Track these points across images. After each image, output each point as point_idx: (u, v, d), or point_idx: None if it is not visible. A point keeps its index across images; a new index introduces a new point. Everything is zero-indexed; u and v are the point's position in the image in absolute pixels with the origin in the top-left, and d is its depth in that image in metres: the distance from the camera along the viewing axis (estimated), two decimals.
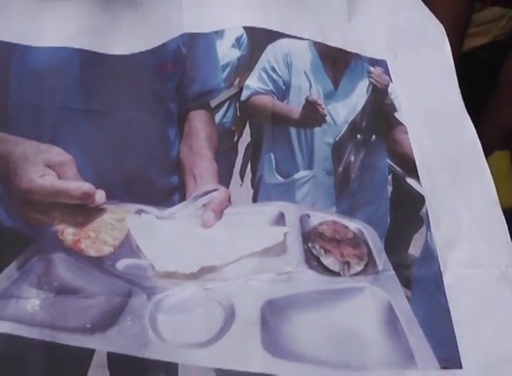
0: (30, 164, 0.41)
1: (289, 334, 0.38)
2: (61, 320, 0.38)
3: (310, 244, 0.41)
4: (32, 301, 0.38)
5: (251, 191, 0.41)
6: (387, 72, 0.48)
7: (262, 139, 0.43)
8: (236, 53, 0.44)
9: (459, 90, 0.49)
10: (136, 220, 0.40)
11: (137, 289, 0.39)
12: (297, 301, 0.39)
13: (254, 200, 0.41)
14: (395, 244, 0.43)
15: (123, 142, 0.42)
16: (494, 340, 0.40)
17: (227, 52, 0.44)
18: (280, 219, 0.41)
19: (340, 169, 0.44)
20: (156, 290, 0.39)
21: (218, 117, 0.43)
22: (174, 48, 0.44)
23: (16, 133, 0.42)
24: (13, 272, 0.39)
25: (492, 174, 0.46)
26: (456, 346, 0.39)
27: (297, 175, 0.43)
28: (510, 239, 0.44)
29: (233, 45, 0.45)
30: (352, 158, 0.45)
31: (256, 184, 0.42)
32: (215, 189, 0.41)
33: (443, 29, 0.50)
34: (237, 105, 0.43)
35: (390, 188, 0.44)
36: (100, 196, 0.41)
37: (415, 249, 0.43)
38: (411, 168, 0.45)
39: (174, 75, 0.44)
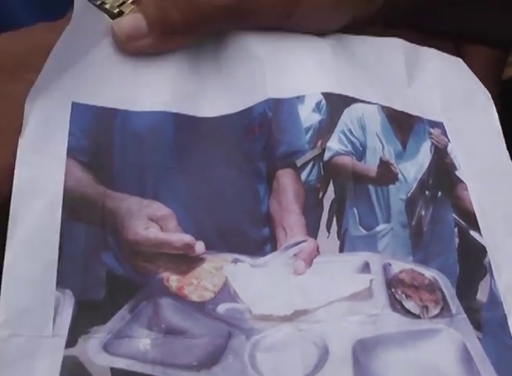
0: (135, 218, 0.46)
1: (378, 370, 0.42)
2: (170, 358, 0.42)
3: (393, 290, 0.45)
4: (144, 341, 0.42)
5: (338, 242, 0.46)
6: (444, 133, 0.53)
7: (345, 195, 0.47)
8: (316, 117, 0.49)
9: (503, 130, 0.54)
10: (233, 268, 0.45)
11: (236, 330, 0.43)
12: (384, 340, 0.43)
13: (341, 250, 0.45)
14: (465, 290, 0.47)
15: (217, 198, 0.47)
16: None
17: (308, 116, 0.49)
18: (365, 268, 0.45)
19: (414, 223, 0.48)
20: (254, 331, 0.43)
21: (303, 175, 0.47)
22: (260, 112, 0.49)
23: (121, 190, 0.46)
24: (126, 315, 0.43)
25: None
26: None
27: (378, 228, 0.47)
28: None
29: (314, 110, 0.49)
30: (423, 213, 0.49)
31: (342, 236, 0.46)
32: (304, 241, 0.45)
33: (489, 95, 0.55)
34: (321, 164, 0.47)
35: (457, 240, 0.49)
36: (200, 246, 0.45)
37: (482, 295, 0.47)
38: (473, 222, 0.50)
39: (261, 137, 0.48)
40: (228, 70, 0.51)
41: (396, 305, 0.44)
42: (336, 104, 0.49)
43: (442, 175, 0.50)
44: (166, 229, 0.45)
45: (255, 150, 0.48)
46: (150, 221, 0.45)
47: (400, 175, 0.48)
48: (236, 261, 0.44)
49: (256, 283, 0.44)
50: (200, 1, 0.48)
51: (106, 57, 0.49)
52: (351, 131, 0.48)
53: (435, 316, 0.44)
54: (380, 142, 0.49)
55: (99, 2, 0.53)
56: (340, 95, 0.49)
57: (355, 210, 0.47)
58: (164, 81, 0.49)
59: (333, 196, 0.47)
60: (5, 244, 0.43)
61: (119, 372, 0.40)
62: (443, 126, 0.52)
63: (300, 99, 0.49)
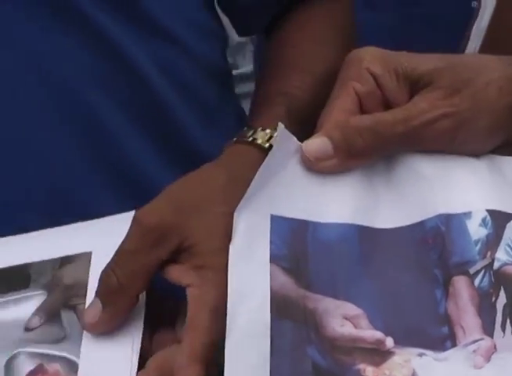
0: (332, 317, 0.53)
1: None
2: None
3: None
4: None
5: None
6: None
7: None
8: (483, 231, 0.56)
9: None
10: (419, 361, 0.51)
11: None
12: None
13: None
14: None
15: (400, 300, 0.54)
16: None
17: (476, 230, 0.56)
18: None
19: None
20: None
21: (476, 281, 0.54)
22: (432, 226, 0.56)
23: (318, 292, 0.54)
24: None
25: None
26: None
27: None
28: None
29: (480, 224, 0.57)
30: None
31: None
32: (481, 339, 0.52)
33: None
34: (491, 273, 0.54)
35: None
36: (389, 342, 0.52)
37: None
38: None
39: (435, 247, 0.56)
40: (400, 187, 0.59)
41: None
42: (499, 219, 0.56)
43: None
44: (359, 327, 0.52)
45: (431, 259, 0.55)
46: (345, 319, 0.52)
47: None
48: (421, 354, 0.51)
49: (440, 375, 0.51)
50: (381, 131, 0.56)
51: (295, 174, 0.58)
52: None
53: None
54: None
55: (250, 139, 0.64)
56: (500, 212, 0.57)
57: None
58: (345, 196, 0.58)
59: (504, 301, 0.53)
60: None
61: None
62: None
63: (467, 214, 0.56)
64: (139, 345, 0.54)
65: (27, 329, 0.57)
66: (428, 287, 0.54)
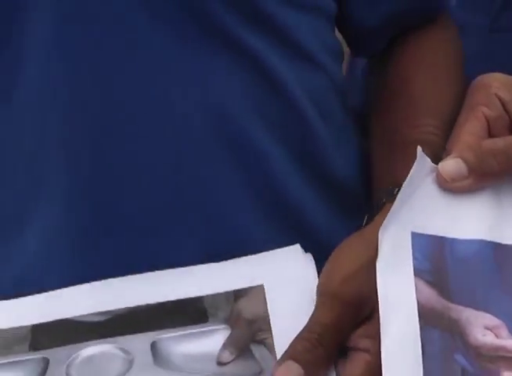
0: (474, 327, 0.57)
1: None
2: None
3: None
4: None
5: None
6: None
7: None
8: None
9: None
10: None
11: None
12: None
13: None
14: None
15: None
16: None
17: None
18: None
19: None
20: None
21: None
22: None
23: (459, 303, 0.58)
24: None
25: None
26: None
27: None
28: None
29: None
30: None
31: None
32: None
33: None
34: None
35: None
36: None
37: None
38: None
39: None
40: None
41: None
42: None
43: None
44: (500, 337, 0.56)
45: None
46: (486, 329, 0.56)
47: None
48: None
49: None
50: None
51: (431, 193, 0.62)
52: None
53: None
54: None
55: None
56: None
57: None
58: (478, 213, 0.62)
59: None
60: None
61: None
62: None
63: None
64: None
65: (220, 363, 0.60)
66: None
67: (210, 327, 0.63)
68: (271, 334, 0.60)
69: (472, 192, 0.62)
